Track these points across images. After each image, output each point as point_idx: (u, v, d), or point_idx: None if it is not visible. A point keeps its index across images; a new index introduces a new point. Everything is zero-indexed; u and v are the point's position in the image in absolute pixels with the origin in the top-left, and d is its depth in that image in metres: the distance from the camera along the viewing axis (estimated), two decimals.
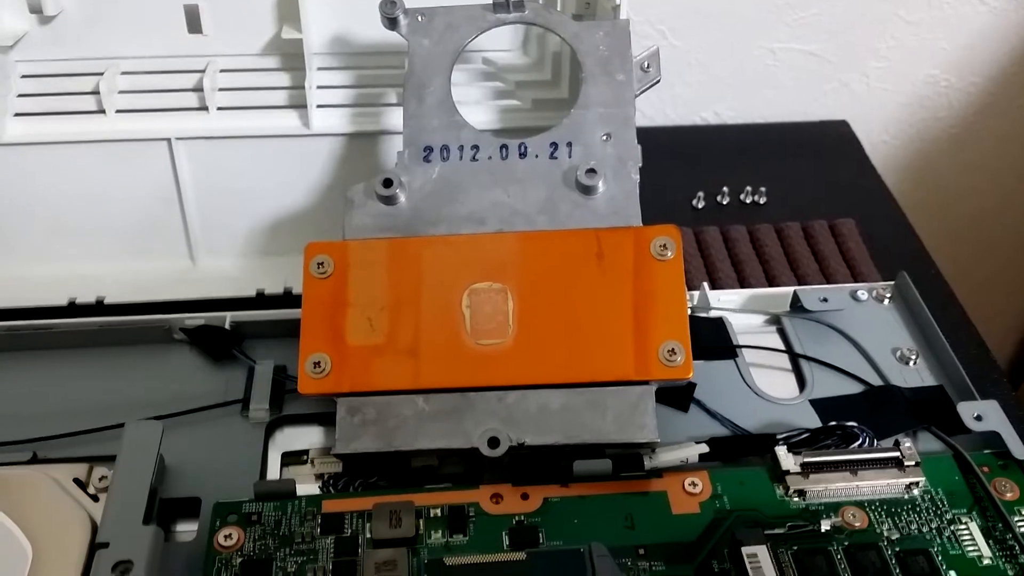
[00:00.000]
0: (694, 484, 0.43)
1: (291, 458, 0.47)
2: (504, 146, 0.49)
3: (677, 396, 0.48)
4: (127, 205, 0.57)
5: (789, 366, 0.52)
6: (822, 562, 0.39)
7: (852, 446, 0.45)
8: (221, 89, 0.55)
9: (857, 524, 0.41)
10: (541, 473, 0.44)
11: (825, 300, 0.53)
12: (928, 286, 0.56)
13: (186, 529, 0.44)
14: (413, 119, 0.50)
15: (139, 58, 0.55)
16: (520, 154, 0.49)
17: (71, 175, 0.56)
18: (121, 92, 0.55)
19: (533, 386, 0.44)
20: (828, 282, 0.62)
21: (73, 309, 0.56)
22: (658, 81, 0.51)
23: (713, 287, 0.59)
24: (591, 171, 0.47)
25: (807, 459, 0.43)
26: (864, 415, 0.47)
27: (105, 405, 0.47)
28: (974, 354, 0.57)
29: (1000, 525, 0.42)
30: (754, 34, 0.79)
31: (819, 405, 0.49)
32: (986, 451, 0.45)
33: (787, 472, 0.43)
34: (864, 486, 0.43)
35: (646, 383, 0.44)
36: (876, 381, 0.50)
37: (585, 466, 0.44)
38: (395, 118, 0.55)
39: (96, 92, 0.54)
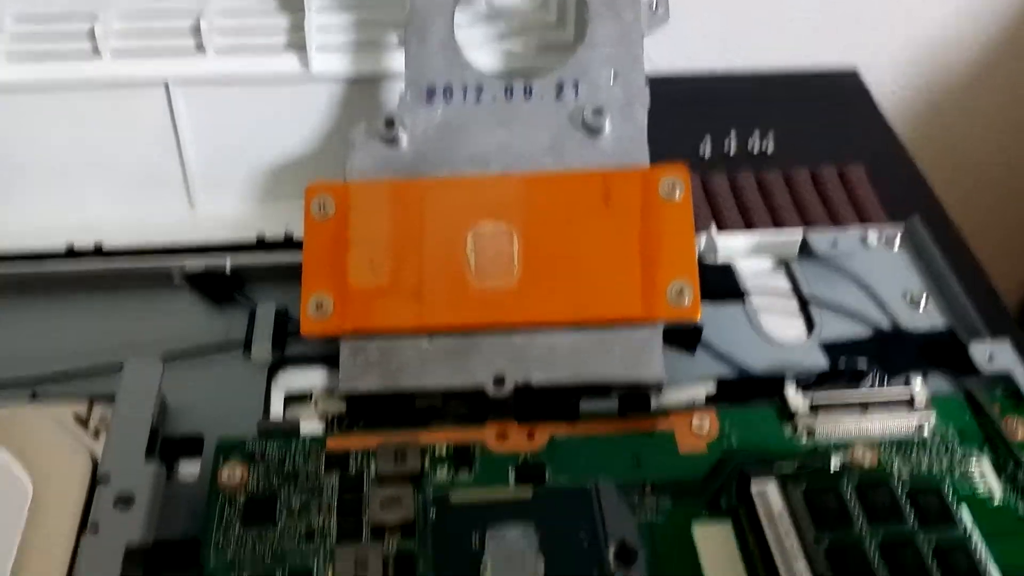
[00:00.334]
0: (701, 423, 0.43)
1: (294, 400, 0.46)
2: (509, 87, 0.48)
3: (684, 338, 0.48)
4: (124, 150, 0.56)
5: (797, 310, 0.52)
6: (832, 500, 0.38)
7: (862, 385, 0.44)
8: (219, 31, 0.54)
9: (867, 463, 0.41)
10: (547, 412, 0.43)
11: (835, 244, 0.53)
12: (938, 233, 0.55)
13: (189, 470, 0.43)
14: (415, 60, 0.49)
15: None
16: (525, 94, 0.48)
17: (67, 120, 0.55)
18: (117, 34, 0.54)
19: (539, 326, 0.43)
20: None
21: (71, 255, 0.55)
22: (666, 22, 0.50)
23: None
24: (598, 111, 0.46)
25: (816, 398, 0.43)
26: (874, 357, 0.46)
27: (105, 348, 0.46)
28: (984, 300, 0.56)
29: (1011, 464, 0.41)
30: None
31: (828, 347, 0.48)
32: (997, 391, 0.45)
33: (796, 411, 0.42)
34: (874, 425, 0.42)
35: (653, 323, 0.43)
36: (886, 324, 0.50)
37: (591, 405, 0.43)
38: (397, 60, 0.54)
39: (92, 34, 0.53)
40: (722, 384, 0.46)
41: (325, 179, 0.46)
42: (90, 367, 0.45)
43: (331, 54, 0.55)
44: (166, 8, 0.54)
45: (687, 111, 0.73)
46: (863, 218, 0.62)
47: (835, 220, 0.61)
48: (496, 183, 0.45)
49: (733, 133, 0.69)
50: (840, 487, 0.39)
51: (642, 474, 0.41)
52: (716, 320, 0.49)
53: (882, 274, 0.52)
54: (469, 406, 0.45)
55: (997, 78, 0.88)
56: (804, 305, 0.51)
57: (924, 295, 0.51)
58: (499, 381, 0.42)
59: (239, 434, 0.42)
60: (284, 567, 0.37)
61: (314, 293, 0.44)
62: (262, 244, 0.56)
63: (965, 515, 0.39)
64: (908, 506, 0.38)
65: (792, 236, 0.54)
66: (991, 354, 0.46)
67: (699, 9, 0.78)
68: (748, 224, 0.61)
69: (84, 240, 0.56)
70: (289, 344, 0.48)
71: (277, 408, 0.46)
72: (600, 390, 0.44)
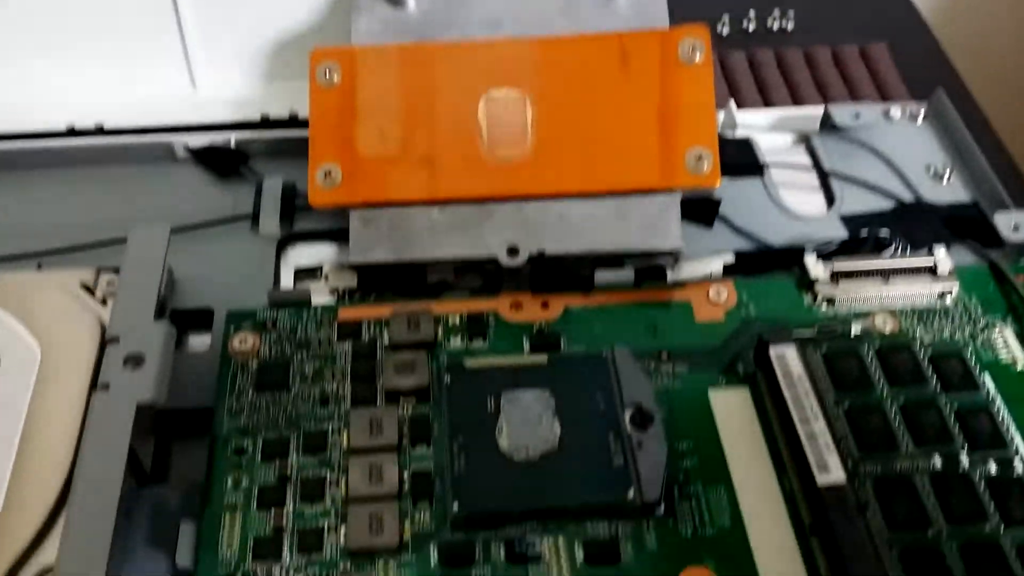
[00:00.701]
0: (719, 293, 0.42)
1: (304, 274, 0.45)
2: None
3: (701, 212, 0.47)
4: (122, 21, 0.54)
5: (818, 184, 0.50)
6: (853, 364, 0.38)
7: (884, 254, 0.43)
8: None
9: (887, 331, 0.40)
10: (561, 283, 0.42)
11: (857, 116, 0.51)
12: (961, 111, 0.53)
13: (199, 341, 0.43)
14: None
15: None
16: None
17: None
18: None
19: (554, 196, 0.42)
20: None
21: (72, 135, 0.54)
22: None
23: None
24: None
25: (837, 266, 0.42)
26: (897, 230, 0.45)
27: (110, 223, 0.45)
28: (1008, 174, 0.55)
29: None
30: None
31: (848, 221, 0.47)
32: (1022, 261, 0.44)
33: (816, 280, 0.42)
34: (895, 294, 0.42)
35: (671, 191, 0.42)
36: (908, 198, 0.49)
37: (607, 276, 0.43)
38: None
39: None
40: (740, 257, 0.45)
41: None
42: (95, 241, 0.44)
43: None
44: None
45: None
46: (885, 97, 0.60)
47: (856, 98, 0.59)
48: (508, 47, 0.44)
49: (752, 12, 0.66)
50: (861, 351, 0.38)
51: (659, 343, 0.40)
52: (734, 194, 0.48)
53: (905, 148, 0.51)
54: (482, 280, 0.44)
55: None
56: (824, 179, 0.50)
57: (948, 168, 0.50)
58: (513, 251, 0.41)
59: (250, 307, 0.41)
60: (299, 431, 0.37)
61: (322, 163, 0.42)
62: (267, 123, 0.55)
63: (987, 380, 0.38)
64: (930, 370, 0.38)
65: (813, 111, 0.53)
66: (1016, 223, 0.45)
67: None
68: (767, 103, 0.59)
69: (84, 120, 0.54)
70: (298, 220, 0.47)
71: (287, 283, 0.45)
72: (616, 260, 0.43)
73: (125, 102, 0.55)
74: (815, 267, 0.42)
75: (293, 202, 0.47)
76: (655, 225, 0.42)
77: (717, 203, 0.47)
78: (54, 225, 0.46)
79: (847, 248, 0.44)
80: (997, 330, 0.41)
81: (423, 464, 0.36)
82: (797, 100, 0.59)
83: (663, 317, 0.41)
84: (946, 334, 0.40)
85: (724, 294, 0.42)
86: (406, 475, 0.35)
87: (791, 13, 0.66)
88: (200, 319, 0.43)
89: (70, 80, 0.55)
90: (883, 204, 0.48)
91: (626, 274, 0.43)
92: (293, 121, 0.54)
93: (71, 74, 0.55)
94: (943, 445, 0.36)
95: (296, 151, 0.48)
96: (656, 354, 0.40)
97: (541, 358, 0.38)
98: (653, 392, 0.37)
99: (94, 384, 0.34)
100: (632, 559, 0.34)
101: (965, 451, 0.36)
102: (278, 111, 0.55)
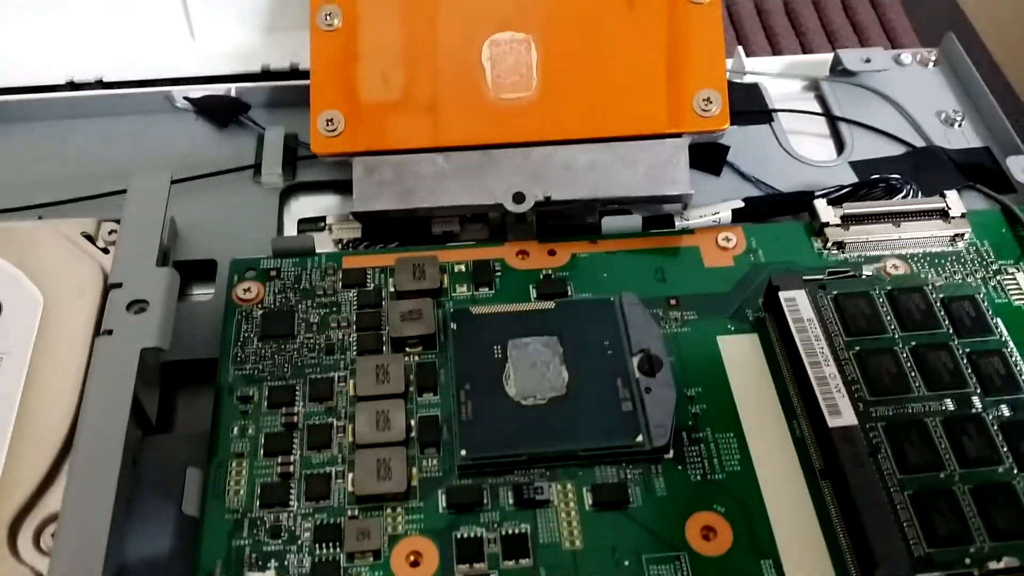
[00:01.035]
0: (728, 239, 0.41)
1: (308, 224, 0.45)
2: None
3: (709, 159, 0.46)
4: None
5: (827, 131, 0.50)
6: (864, 305, 0.37)
7: (895, 198, 0.42)
8: None
9: (899, 274, 0.40)
10: (568, 233, 0.42)
11: (868, 61, 0.50)
12: (972, 58, 0.52)
13: (203, 291, 0.42)
14: None
15: None
16: None
17: None
18: None
19: (560, 141, 0.42)
20: None
21: (72, 89, 0.53)
22: None
23: None
24: None
25: (848, 210, 0.41)
26: (908, 175, 0.45)
27: (110, 173, 0.45)
28: (1019, 121, 0.54)
29: None
30: None
31: (859, 167, 0.47)
32: None
33: (826, 224, 0.41)
34: (907, 238, 0.41)
35: (679, 135, 0.41)
36: (919, 143, 0.48)
37: (614, 223, 0.42)
38: None
39: None
40: (749, 204, 0.44)
41: None
42: (96, 193, 0.44)
43: None
44: None
45: None
46: (895, 44, 0.59)
47: (866, 46, 0.58)
48: None
49: None
50: (872, 294, 0.38)
51: (667, 289, 0.40)
52: (742, 141, 0.47)
53: (916, 93, 0.50)
54: (488, 230, 0.44)
55: None
56: (835, 125, 0.49)
57: (960, 114, 0.49)
58: (519, 198, 0.41)
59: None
60: (304, 380, 0.36)
61: (324, 109, 0.42)
62: (267, 75, 0.54)
63: (1000, 324, 0.38)
64: (942, 313, 0.37)
65: (822, 58, 0.52)
66: None
67: None
68: (776, 51, 0.58)
69: (84, 74, 0.54)
70: (301, 170, 0.47)
71: (290, 234, 0.45)
72: (623, 207, 0.42)
73: (125, 55, 0.54)
74: (825, 211, 0.41)
75: (295, 152, 0.47)
76: (663, 170, 0.41)
77: (725, 150, 0.46)
78: (55, 177, 0.45)
79: (857, 193, 0.43)
80: (1010, 273, 0.40)
81: (430, 411, 0.36)
82: (806, 48, 0.58)
83: (671, 263, 0.41)
84: (958, 278, 0.40)
85: (733, 240, 0.41)
86: (413, 422, 0.35)
87: None
88: (204, 270, 0.42)
89: (70, 33, 0.54)
90: (894, 149, 0.47)
91: (634, 221, 0.42)
92: (294, 73, 0.54)
93: (71, 27, 0.54)
94: (956, 389, 0.35)
95: (298, 102, 0.47)
96: (665, 300, 0.39)
97: (548, 304, 0.38)
98: (661, 337, 0.37)
99: (97, 332, 0.34)
100: (640, 504, 0.33)
101: (978, 395, 0.35)
102: (279, 63, 0.54)
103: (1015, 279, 0.40)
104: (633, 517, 0.33)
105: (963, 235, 0.41)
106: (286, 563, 0.32)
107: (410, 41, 0.42)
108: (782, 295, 0.37)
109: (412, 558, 0.32)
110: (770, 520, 0.33)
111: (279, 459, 0.34)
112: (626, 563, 0.32)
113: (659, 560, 0.32)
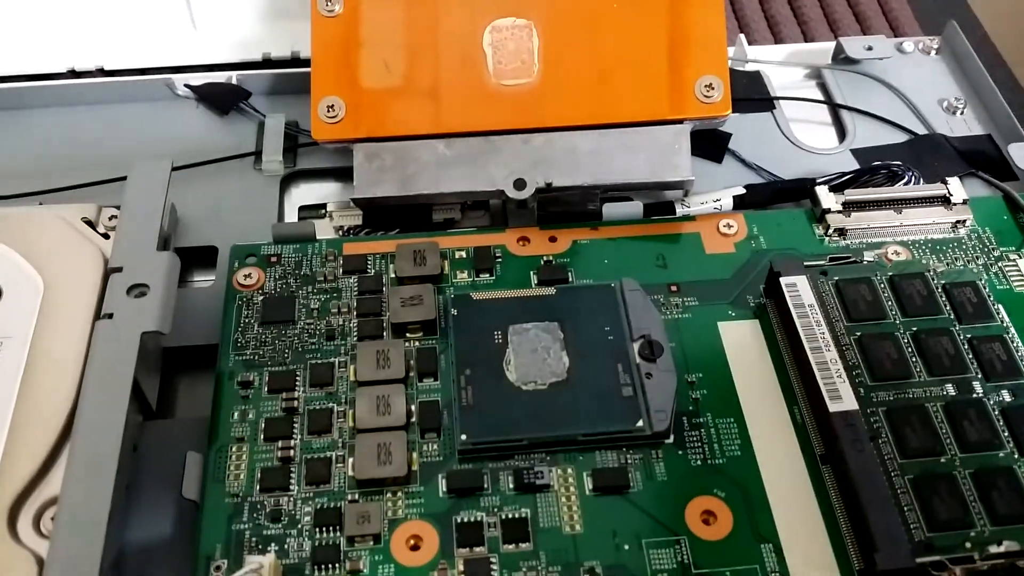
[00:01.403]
0: (729, 225, 0.41)
1: (309, 211, 0.45)
2: None
3: (711, 146, 0.46)
4: None
5: (829, 118, 0.49)
6: (865, 291, 0.37)
7: (897, 185, 0.42)
8: None
9: (900, 259, 0.40)
10: (569, 217, 0.42)
11: (870, 49, 0.50)
12: (974, 46, 0.52)
13: (204, 278, 0.42)
14: None
15: None
16: None
17: None
18: None
19: (561, 128, 0.41)
20: None
21: (74, 77, 0.53)
22: None
23: None
24: None
25: (849, 196, 0.41)
26: (909, 162, 0.44)
27: (111, 161, 0.45)
28: (1020, 113, 0.54)
29: None
30: None
31: (861, 154, 0.47)
32: None
33: (828, 210, 0.41)
34: (908, 224, 0.41)
35: (681, 122, 0.41)
36: (921, 131, 0.48)
37: (615, 209, 0.42)
38: None
39: None
40: (750, 191, 0.44)
41: None
42: (97, 180, 0.44)
43: None
44: None
45: None
46: (897, 33, 0.59)
47: (868, 34, 0.58)
48: None
49: None
50: (873, 279, 0.37)
51: (668, 275, 0.40)
52: (744, 128, 0.47)
53: (918, 81, 0.50)
54: (489, 217, 0.44)
55: None
56: (836, 113, 0.49)
57: (962, 102, 0.49)
58: (520, 184, 0.41)
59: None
60: (305, 365, 0.36)
61: (325, 96, 0.42)
62: (268, 63, 0.54)
63: (1001, 311, 0.38)
64: (943, 299, 0.37)
65: (824, 46, 0.52)
66: None
67: None
68: (777, 39, 0.58)
69: (85, 62, 0.54)
70: (302, 158, 0.47)
71: (291, 220, 0.45)
72: (625, 193, 0.42)
73: (126, 44, 0.54)
74: (827, 197, 0.41)
75: (296, 139, 0.46)
76: (665, 157, 0.41)
77: (727, 137, 0.46)
78: (56, 165, 0.45)
79: (859, 180, 0.43)
80: (1012, 260, 0.40)
81: (431, 396, 0.36)
82: (808, 36, 0.58)
83: (672, 250, 0.41)
84: (959, 265, 0.40)
85: (734, 226, 0.41)
86: (413, 407, 0.35)
87: None
88: (205, 256, 0.42)
89: (71, 21, 0.54)
90: (896, 137, 0.47)
91: (635, 207, 0.42)
92: (295, 61, 0.54)
93: (72, 15, 0.54)
94: (957, 374, 0.35)
95: (298, 90, 0.47)
96: (666, 287, 0.39)
97: (549, 290, 0.38)
98: (662, 323, 0.37)
99: (98, 316, 0.34)
100: (641, 488, 0.33)
101: (979, 380, 0.35)
102: (279, 51, 0.54)
103: (1017, 266, 0.40)
104: (633, 501, 0.33)
105: (965, 222, 0.41)
106: (286, 547, 0.32)
107: (411, 27, 0.42)
108: (783, 280, 0.37)
109: (412, 542, 0.32)
110: (770, 505, 0.33)
111: (279, 444, 0.34)
112: (626, 547, 0.32)
113: (659, 544, 0.32)
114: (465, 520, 0.33)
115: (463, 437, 0.34)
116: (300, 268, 0.39)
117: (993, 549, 0.31)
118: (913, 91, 0.49)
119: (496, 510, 0.33)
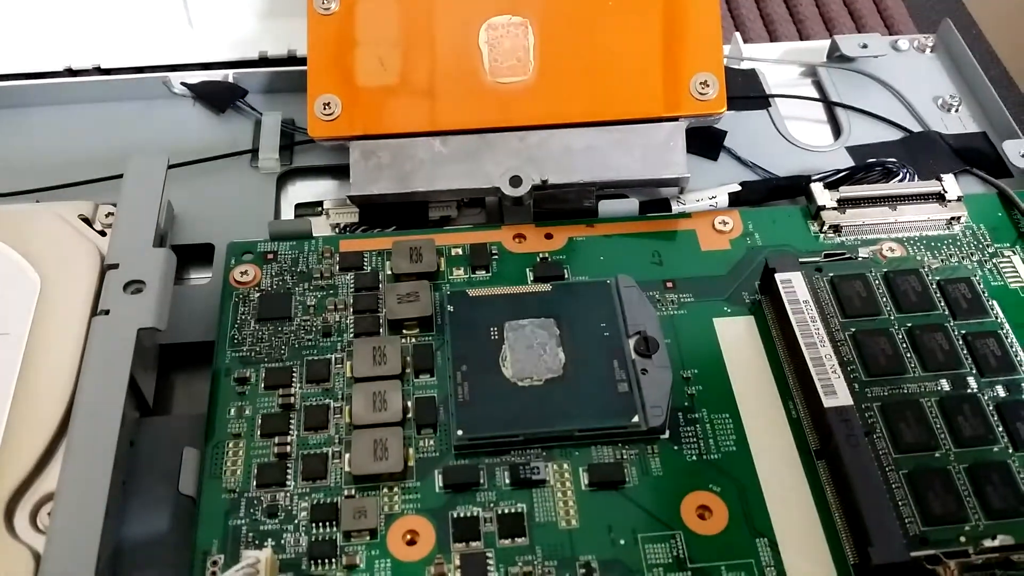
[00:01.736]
0: (724, 222, 0.41)
1: (305, 209, 0.45)
2: None
3: (707, 143, 0.46)
4: None
5: (824, 116, 0.50)
6: (860, 287, 0.37)
7: (892, 182, 0.43)
8: None
9: (895, 256, 0.40)
10: (565, 214, 0.42)
11: (865, 46, 0.50)
12: (968, 43, 0.52)
13: (200, 275, 0.43)
14: None
15: None
16: None
17: None
18: None
19: (557, 125, 0.42)
20: None
21: (71, 75, 0.53)
22: None
23: None
24: None
25: (844, 193, 0.41)
26: (904, 160, 0.45)
27: (108, 158, 0.45)
28: (1014, 111, 0.54)
29: None
30: None
31: (856, 151, 0.47)
32: None
33: (823, 207, 0.41)
34: (903, 221, 0.41)
35: (676, 119, 0.41)
36: (916, 128, 0.48)
37: (611, 206, 0.42)
38: None
39: None
40: (746, 188, 0.44)
41: None
42: (93, 177, 0.44)
43: None
44: None
45: None
46: (892, 31, 0.59)
47: (863, 32, 0.58)
48: None
49: None
50: (867, 275, 0.38)
51: (664, 272, 0.40)
52: (740, 126, 0.47)
53: (913, 79, 0.50)
54: (485, 217, 0.44)
55: None
56: (831, 111, 0.49)
57: (957, 99, 0.49)
58: (516, 181, 0.41)
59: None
60: (301, 361, 0.36)
61: (321, 93, 0.42)
62: (265, 62, 0.54)
63: (996, 306, 0.38)
64: (938, 295, 0.37)
65: (819, 44, 0.52)
66: None
67: None
68: (773, 38, 0.58)
69: (82, 61, 0.54)
70: (298, 156, 0.47)
71: (288, 217, 0.45)
72: (620, 190, 0.42)
73: (122, 42, 0.54)
74: (822, 194, 0.41)
75: (292, 137, 0.47)
76: (660, 154, 0.41)
77: (723, 135, 0.46)
78: (53, 162, 0.45)
79: (854, 177, 0.43)
80: (1006, 256, 0.40)
81: (427, 392, 0.36)
82: (803, 35, 0.58)
83: (668, 247, 0.41)
84: (954, 261, 0.40)
85: (729, 223, 0.41)
86: (410, 403, 0.35)
87: None
88: (201, 254, 0.42)
89: (68, 20, 0.54)
90: (891, 134, 0.48)
91: (630, 204, 0.42)
92: (291, 59, 0.54)
93: (69, 14, 0.54)
94: (951, 370, 0.35)
95: (295, 88, 0.47)
96: (661, 283, 0.39)
97: (545, 287, 0.38)
98: (658, 319, 0.37)
99: (94, 313, 0.34)
100: (636, 483, 0.34)
101: (973, 375, 0.35)
102: (276, 49, 0.54)
103: (1011, 262, 0.40)
104: (629, 497, 0.33)
105: (959, 218, 0.41)
106: (283, 542, 0.32)
107: (407, 25, 0.42)
108: (778, 277, 0.37)
109: (409, 537, 0.32)
110: (765, 500, 0.33)
111: (276, 440, 0.34)
112: (622, 542, 0.32)
113: (655, 539, 0.32)
114: (461, 515, 0.33)
115: (459, 433, 0.34)
116: (296, 265, 0.40)
117: (987, 543, 0.31)
118: (908, 89, 0.49)
119: (492, 505, 0.33)
